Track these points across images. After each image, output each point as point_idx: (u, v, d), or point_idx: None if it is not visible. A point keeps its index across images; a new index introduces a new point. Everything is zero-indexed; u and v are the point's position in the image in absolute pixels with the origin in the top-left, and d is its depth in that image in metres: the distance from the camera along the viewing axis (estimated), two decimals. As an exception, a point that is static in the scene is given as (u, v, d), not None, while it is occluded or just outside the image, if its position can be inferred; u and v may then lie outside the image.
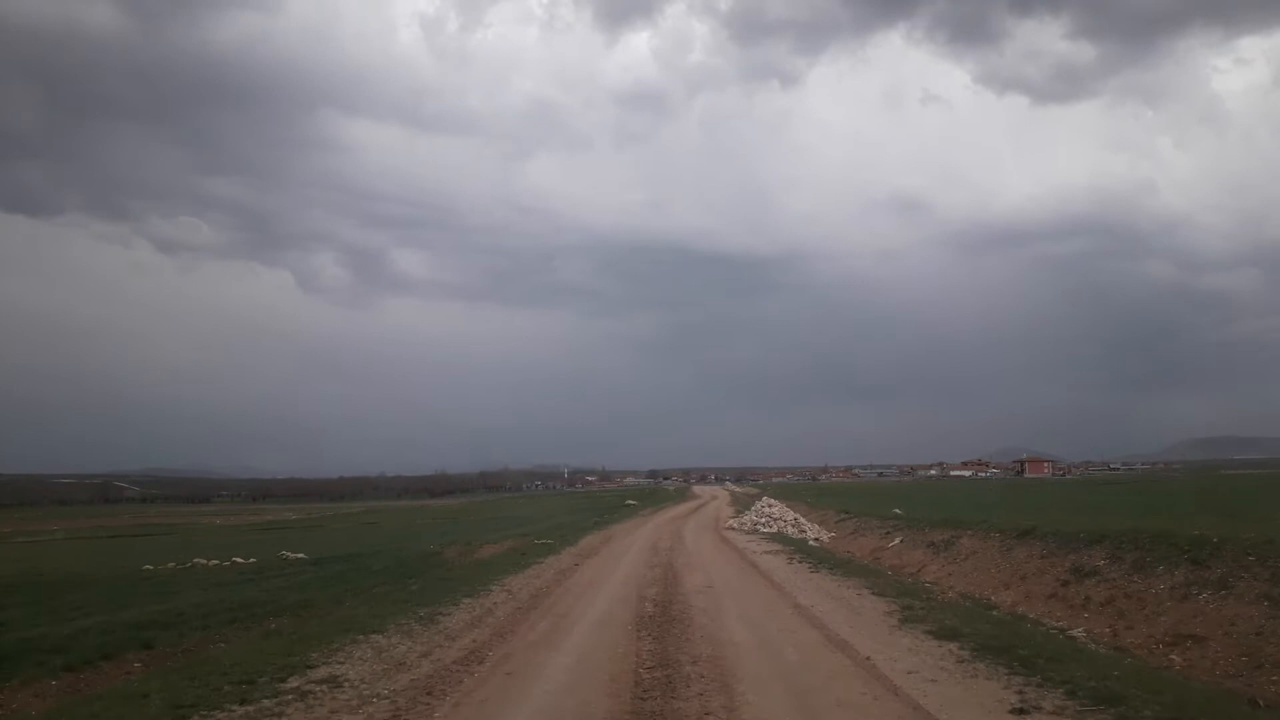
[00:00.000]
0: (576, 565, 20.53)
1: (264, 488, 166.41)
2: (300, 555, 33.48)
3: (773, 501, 34.38)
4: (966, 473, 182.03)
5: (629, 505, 69.01)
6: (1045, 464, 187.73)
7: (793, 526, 31.86)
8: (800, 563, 20.37)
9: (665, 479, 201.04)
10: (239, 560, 32.81)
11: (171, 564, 32.76)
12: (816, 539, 29.91)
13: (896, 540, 26.32)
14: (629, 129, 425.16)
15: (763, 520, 32.54)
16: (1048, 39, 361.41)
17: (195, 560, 33.60)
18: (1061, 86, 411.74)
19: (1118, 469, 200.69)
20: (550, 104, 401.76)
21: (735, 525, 33.89)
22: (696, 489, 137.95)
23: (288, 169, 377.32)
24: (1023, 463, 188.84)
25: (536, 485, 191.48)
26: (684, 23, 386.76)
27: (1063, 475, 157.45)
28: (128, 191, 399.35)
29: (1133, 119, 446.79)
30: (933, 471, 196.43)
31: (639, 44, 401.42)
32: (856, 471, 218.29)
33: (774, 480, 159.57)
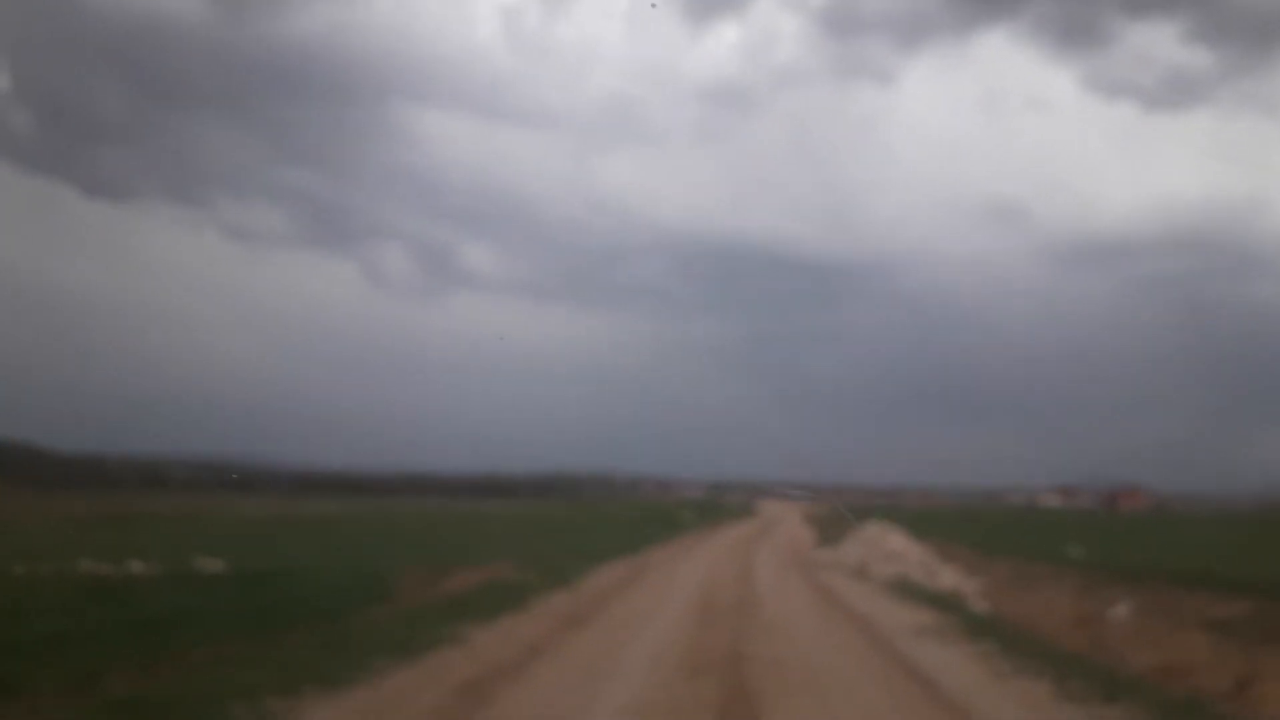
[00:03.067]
0: (549, 642, 10.28)
1: (310, 480, 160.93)
2: (217, 565, 24.84)
3: (890, 531, 23.73)
4: (1055, 503, 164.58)
5: (681, 521, 59.71)
6: (1138, 493, 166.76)
7: (919, 568, 21.17)
8: (997, 661, 9.87)
9: (728, 491, 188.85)
10: (135, 566, 24.37)
11: (51, 567, 24.43)
12: (959, 590, 19.20)
13: (1121, 608, 15.46)
14: (710, 125, 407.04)
15: (874, 556, 21.94)
16: (1162, 43, 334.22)
17: (85, 562, 25.29)
18: (1174, 93, 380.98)
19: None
20: (630, 98, 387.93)
21: (829, 561, 23.41)
22: (764, 504, 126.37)
23: (359, 159, 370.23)
24: (1116, 493, 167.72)
25: (591, 492, 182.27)
26: (774, 16, 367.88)
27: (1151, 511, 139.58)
28: (201, 177, 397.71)
29: (1249, 131, 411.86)
30: (1019, 500, 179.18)
31: (726, 37, 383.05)
32: (937, 495, 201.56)
33: (846, 499, 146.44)
